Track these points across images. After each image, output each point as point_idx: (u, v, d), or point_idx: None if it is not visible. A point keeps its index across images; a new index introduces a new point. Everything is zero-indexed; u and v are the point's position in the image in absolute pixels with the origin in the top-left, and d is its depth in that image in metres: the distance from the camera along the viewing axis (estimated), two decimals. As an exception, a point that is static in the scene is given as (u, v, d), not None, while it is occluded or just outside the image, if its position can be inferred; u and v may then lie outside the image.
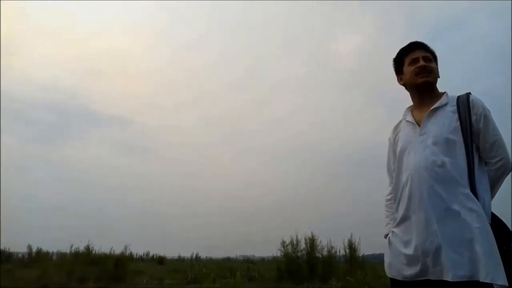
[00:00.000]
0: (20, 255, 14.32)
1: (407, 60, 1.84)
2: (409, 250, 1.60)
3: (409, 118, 1.80)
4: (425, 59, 1.79)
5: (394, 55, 1.93)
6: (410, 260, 1.59)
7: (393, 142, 1.88)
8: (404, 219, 1.67)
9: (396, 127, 1.90)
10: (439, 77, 1.83)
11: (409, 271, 1.59)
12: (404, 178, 1.70)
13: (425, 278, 1.54)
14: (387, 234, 1.77)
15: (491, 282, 1.39)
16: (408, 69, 1.83)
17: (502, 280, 1.40)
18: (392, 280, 1.69)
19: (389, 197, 1.86)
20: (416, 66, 1.78)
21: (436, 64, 1.84)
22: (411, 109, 1.85)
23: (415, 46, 1.85)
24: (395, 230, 1.72)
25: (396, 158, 1.79)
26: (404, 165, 1.72)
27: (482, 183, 1.59)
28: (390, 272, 1.69)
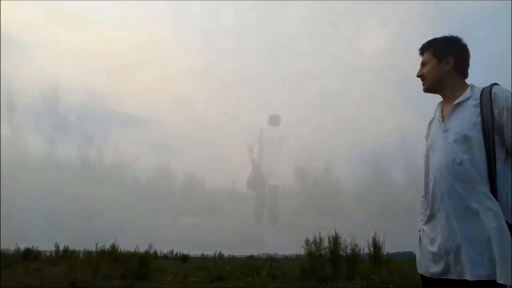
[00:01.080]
0: (48, 254, 14.76)
1: None
2: (434, 248, 1.61)
3: (437, 114, 1.77)
4: (422, 65, 1.80)
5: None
6: (435, 257, 1.60)
7: (427, 139, 1.84)
8: (431, 217, 1.67)
9: (429, 124, 1.86)
10: (454, 67, 1.73)
11: (435, 269, 1.60)
12: (430, 176, 1.69)
13: (448, 277, 1.54)
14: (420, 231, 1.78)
15: (505, 283, 1.36)
16: None
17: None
18: (422, 276, 1.70)
19: (423, 194, 1.84)
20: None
21: (439, 58, 1.74)
22: (441, 105, 1.81)
23: (420, 51, 1.84)
24: (424, 227, 1.72)
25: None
26: (430, 163, 1.71)
27: (507, 180, 1.52)
28: (419, 269, 1.71)
